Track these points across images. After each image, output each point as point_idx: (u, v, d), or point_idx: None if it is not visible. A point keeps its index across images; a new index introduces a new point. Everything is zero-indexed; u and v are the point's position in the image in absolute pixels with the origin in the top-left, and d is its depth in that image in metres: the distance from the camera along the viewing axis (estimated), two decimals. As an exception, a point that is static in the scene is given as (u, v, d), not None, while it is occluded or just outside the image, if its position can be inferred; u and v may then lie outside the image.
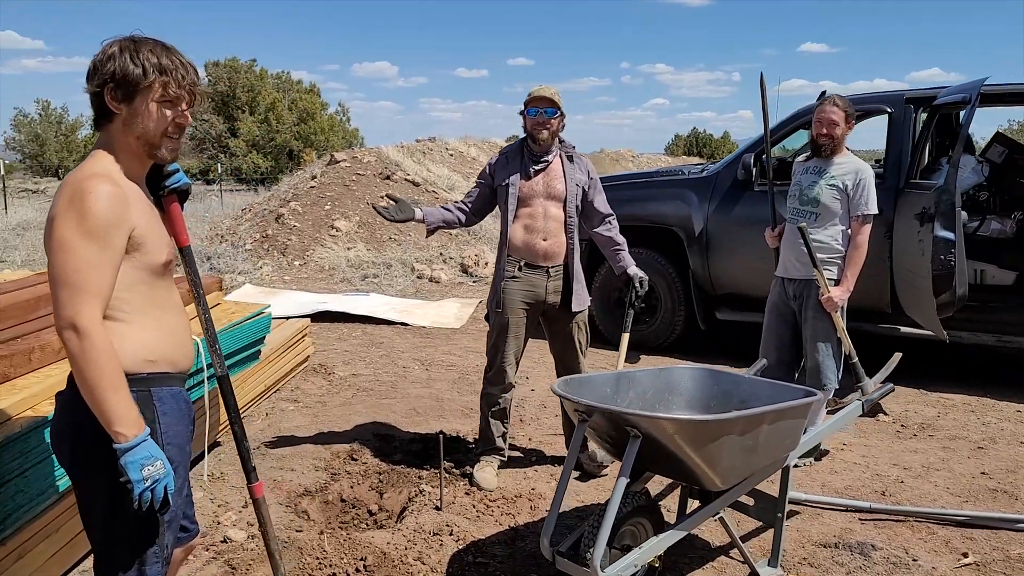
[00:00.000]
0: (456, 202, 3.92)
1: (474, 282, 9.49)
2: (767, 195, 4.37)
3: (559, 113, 3.70)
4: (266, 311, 3.99)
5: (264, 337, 3.99)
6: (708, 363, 5.97)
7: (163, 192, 2.05)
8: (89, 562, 2.94)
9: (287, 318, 7.09)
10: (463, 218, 3.86)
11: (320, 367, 5.76)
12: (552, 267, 3.75)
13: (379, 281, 9.16)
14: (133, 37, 1.84)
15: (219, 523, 3.36)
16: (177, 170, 2.06)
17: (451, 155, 16.37)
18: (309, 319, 6.88)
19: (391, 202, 3.70)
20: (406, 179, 12.01)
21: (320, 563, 2.99)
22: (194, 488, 3.63)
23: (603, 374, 3.19)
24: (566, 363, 3.93)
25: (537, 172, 3.75)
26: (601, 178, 4.06)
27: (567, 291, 3.77)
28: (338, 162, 12.31)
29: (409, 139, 18.46)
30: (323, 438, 4.30)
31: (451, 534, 3.26)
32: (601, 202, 3.88)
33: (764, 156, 4.51)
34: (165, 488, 1.75)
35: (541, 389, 5.33)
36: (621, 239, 3.89)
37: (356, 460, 4.04)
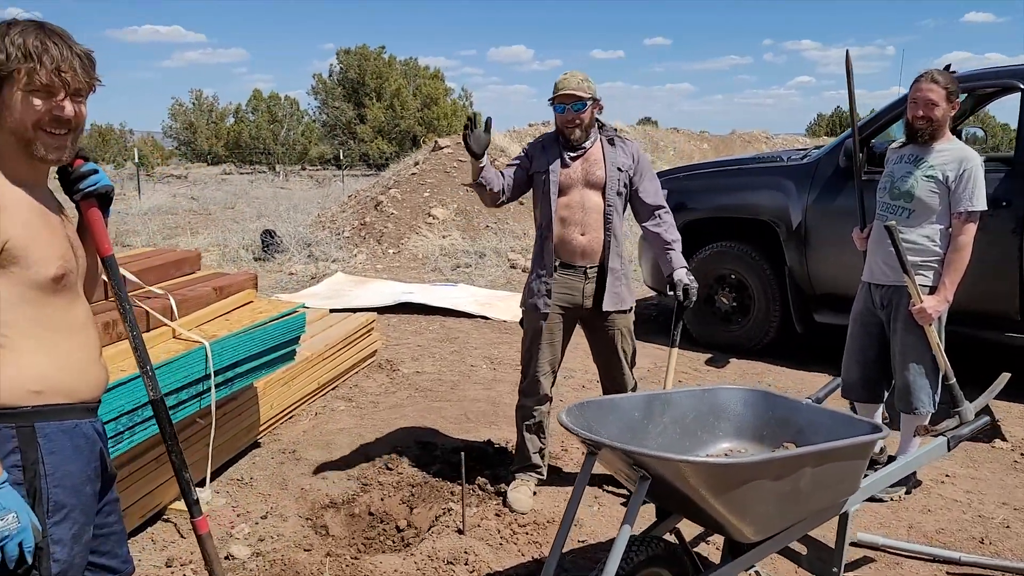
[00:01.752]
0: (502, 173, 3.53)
1: None
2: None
3: (588, 104, 3.31)
4: (300, 310, 3.81)
5: (298, 337, 3.82)
6: (805, 371, 5.44)
7: (77, 196, 1.84)
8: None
9: (370, 309, 7.02)
10: (504, 192, 3.48)
11: (387, 363, 5.59)
12: (590, 267, 3.38)
13: (471, 271, 8.95)
14: (8, 20, 1.62)
15: (230, 535, 3.21)
16: (95, 170, 1.85)
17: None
18: (377, 313, 6.77)
19: (481, 128, 3.30)
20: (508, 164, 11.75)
21: (315, 590, 2.78)
22: (218, 493, 3.54)
23: (632, 396, 2.81)
24: (610, 376, 3.56)
25: (574, 159, 3.38)
26: (690, 166, 3.63)
27: (600, 290, 3.39)
28: (441, 148, 12.19)
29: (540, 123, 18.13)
30: (363, 443, 4.11)
31: (466, 563, 2.98)
32: (650, 192, 3.46)
33: (854, 144, 3.93)
34: (21, 545, 1.54)
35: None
36: (672, 236, 3.45)
37: (391, 470, 3.81)
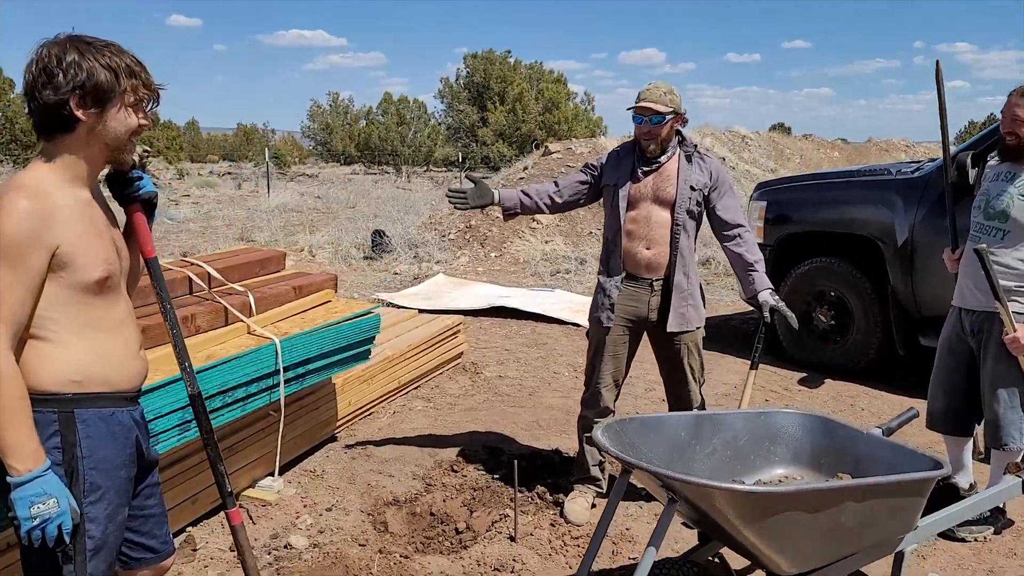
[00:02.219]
0: (542, 186, 3.57)
1: None
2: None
3: (667, 119, 3.25)
4: (375, 311, 3.93)
5: (373, 337, 3.93)
6: (904, 396, 5.14)
7: (129, 201, 1.97)
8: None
9: (465, 311, 7.15)
10: (547, 205, 3.52)
11: (472, 365, 5.67)
12: (655, 280, 3.33)
13: (570, 277, 8.95)
14: (79, 37, 1.76)
15: (294, 525, 3.35)
16: (141, 177, 1.98)
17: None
18: (470, 315, 6.88)
19: (469, 185, 3.45)
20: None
21: (361, 585, 2.87)
22: (290, 483, 3.69)
23: (680, 415, 2.76)
24: (675, 392, 3.50)
25: (647, 173, 3.34)
26: (792, 178, 3.53)
27: (665, 308, 3.33)
28: (551, 153, 12.25)
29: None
30: (433, 444, 4.19)
31: (512, 571, 3.00)
32: (728, 209, 3.37)
33: (944, 159, 3.69)
34: (60, 527, 1.67)
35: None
36: (754, 256, 3.35)
37: (456, 472, 3.87)
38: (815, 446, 2.73)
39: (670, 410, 3.58)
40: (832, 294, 5.72)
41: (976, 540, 3.30)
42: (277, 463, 3.54)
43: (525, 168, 12.28)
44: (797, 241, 5.90)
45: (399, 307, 7.57)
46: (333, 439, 4.24)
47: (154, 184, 2.05)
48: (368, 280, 8.96)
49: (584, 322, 7.01)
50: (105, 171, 1.94)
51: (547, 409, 4.82)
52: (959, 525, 3.26)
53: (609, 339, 3.40)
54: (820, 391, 5.35)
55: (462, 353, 5.75)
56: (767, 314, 3.24)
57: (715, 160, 3.43)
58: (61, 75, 1.70)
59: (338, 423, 4.26)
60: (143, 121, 1.83)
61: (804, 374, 5.64)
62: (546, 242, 10.03)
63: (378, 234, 10.35)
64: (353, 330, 3.74)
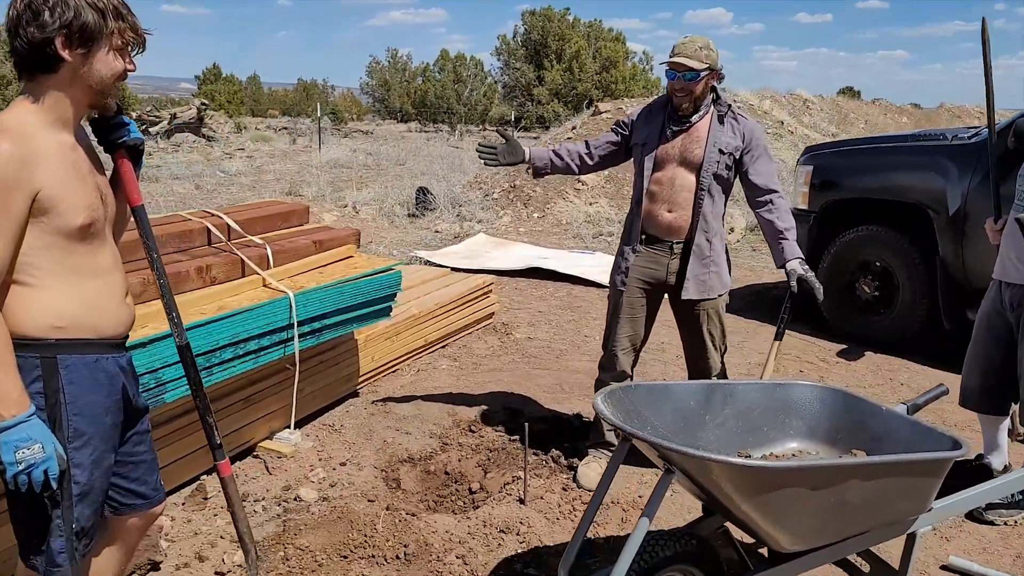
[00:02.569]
0: (574, 146, 3.47)
1: (753, 251, 8.78)
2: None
3: (702, 75, 3.11)
4: (395, 268, 3.90)
5: (394, 294, 3.91)
6: (946, 372, 4.93)
7: (114, 147, 1.95)
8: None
9: (502, 271, 7.10)
10: (578, 166, 3.45)
11: (502, 326, 5.63)
12: (675, 242, 3.23)
13: (612, 240, 8.81)
14: None
15: (306, 478, 3.37)
16: (127, 123, 1.95)
17: (739, 106, 15.13)
18: (507, 275, 6.82)
19: (501, 141, 3.37)
20: (668, 133, 11.39)
21: (364, 541, 2.87)
22: (308, 436, 3.71)
23: (690, 384, 2.66)
24: (694, 359, 3.40)
25: (676, 133, 3.21)
26: (841, 142, 3.39)
27: (684, 272, 3.23)
28: (601, 112, 12.01)
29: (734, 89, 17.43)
30: (453, 403, 4.17)
31: (518, 534, 2.97)
32: (761, 174, 3.23)
33: (989, 125, 3.47)
34: (47, 472, 1.67)
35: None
36: (785, 223, 3.20)
37: (474, 432, 3.85)
38: (832, 421, 2.62)
39: (689, 378, 3.49)
40: (877, 264, 5.50)
41: (1005, 524, 3.16)
42: (293, 416, 3.55)
43: (574, 128, 12.08)
44: (843, 208, 5.67)
45: (436, 265, 7.57)
46: (355, 394, 4.25)
47: (142, 132, 2.02)
48: (409, 238, 8.96)
49: (621, 285, 6.92)
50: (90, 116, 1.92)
51: (572, 373, 4.75)
52: (988, 507, 3.13)
53: (625, 301, 3.31)
54: (859, 364, 5.18)
55: (493, 313, 5.71)
56: (794, 283, 3.11)
57: (750, 121, 3.28)
58: (47, 12, 1.66)
59: (360, 379, 4.27)
60: (129, 66, 1.79)
61: (844, 346, 5.47)
62: (590, 204, 9.88)
63: (422, 192, 10.33)
64: (372, 286, 3.71)
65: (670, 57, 3.13)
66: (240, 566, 2.73)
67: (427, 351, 4.95)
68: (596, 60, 35.56)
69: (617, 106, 12.21)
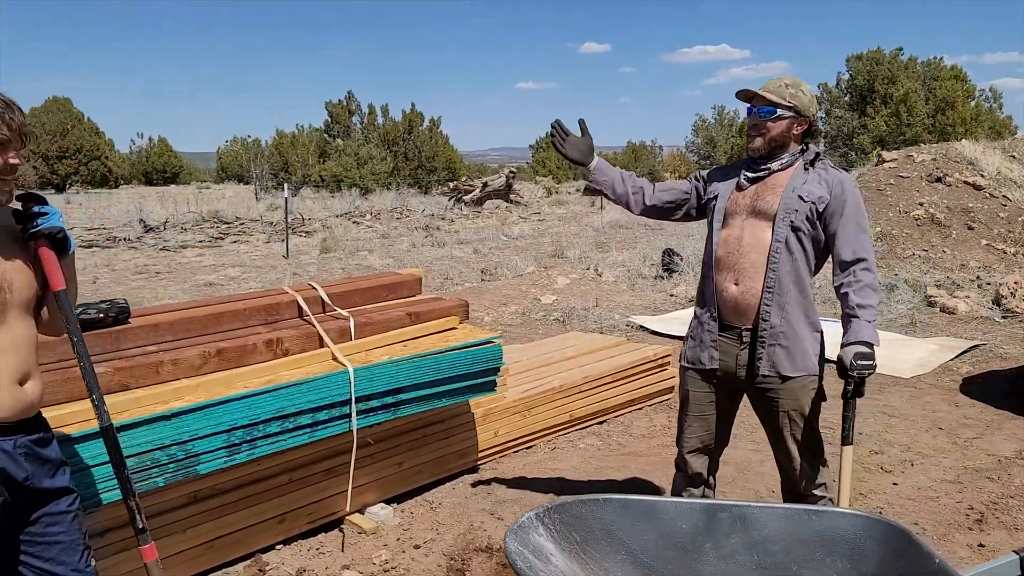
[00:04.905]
0: (641, 179, 2.96)
1: (1003, 319, 7.28)
2: None
3: (780, 114, 2.58)
4: (495, 341, 3.70)
5: (497, 368, 3.70)
6: None
7: (31, 236, 2.04)
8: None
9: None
10: (636, 201, 2.91)
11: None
12: (745, 329, 2.66)
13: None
14: None
15: (368, 559, 3.27)
16: (43, 213, 2.03)
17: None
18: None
19: (578, 133, 2.89)
20: (965, 182, 9.77)
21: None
22: (403, 512, 3.63)
23: (682, 502, 2.18)
24: (780, 465, 2.77)
25: (752, 181, 2.69)
26: None
27: (754, 354, 2.64)
28: (885, 162, 10.69)
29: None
30: (566, 489, 3.83)
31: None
32: (846, 236, 2.59)
33: None
34: None
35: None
36: (859, 300, 2.55)
37: (570, 525, 3.49)
38: (886, 566, 1.96)
39: (782, 490, 2.85)
40: None
41: None
42: (349, 493, 3.45)
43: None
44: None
45: (649, 331, 7.20)
46: (474, 470, 4.09)
47: (455, 199, 2.08)
48: (639, 301, 8.62)
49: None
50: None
51: (727, 465, 4.14)
52: None
53: (692, 396, 2.80)
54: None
55: (674, 388, 5.22)
56: (853, 375, 2.45)
57: (843, 173, 2.65)
58: None
59: (481, 454, 4.11)
60: (12, 160, 1.88)
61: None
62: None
63: (667, 253, 9.92)
64: (464, 360, 3.56)
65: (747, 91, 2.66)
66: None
67: (574, 426, 4.64)
68: (929, 102, 32.05)
69: (906, 154, 10.80)
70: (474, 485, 3.93)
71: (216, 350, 3.11)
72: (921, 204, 9.38)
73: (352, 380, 3.20)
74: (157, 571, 2.17)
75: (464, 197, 24.78)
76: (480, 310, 8.23)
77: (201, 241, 15.94)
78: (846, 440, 2.48)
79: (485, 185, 25.30)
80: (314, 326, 3.41)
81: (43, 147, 39.51)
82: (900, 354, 6.19)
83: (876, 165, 10.97)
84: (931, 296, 7.82)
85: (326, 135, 37.94)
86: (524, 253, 13.08)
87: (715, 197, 2.78)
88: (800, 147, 2.69)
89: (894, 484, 3.88)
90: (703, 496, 2.89)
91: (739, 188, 2.72)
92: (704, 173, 2.92)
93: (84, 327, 2.98)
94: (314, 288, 3.64)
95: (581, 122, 2.90)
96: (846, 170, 3.56)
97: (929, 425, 4.71)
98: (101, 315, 2.99)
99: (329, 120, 38.19)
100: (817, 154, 2.67)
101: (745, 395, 2.79)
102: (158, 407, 2.78)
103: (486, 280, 10.03)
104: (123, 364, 2.89)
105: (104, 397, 2.14)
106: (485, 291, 9.15)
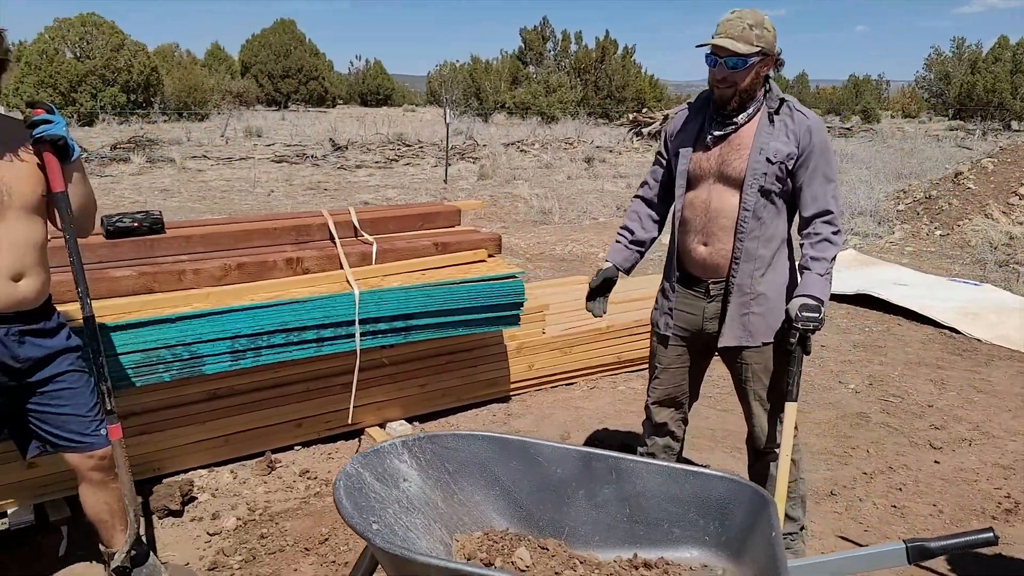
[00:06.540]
0: (639, 209, 2.81)
1: None
2: None
3: (751, 63, 2.38)
4: (518, 276, 3.74)
5: (519, 303, 3.74)
6: None
7: (36, 142, 2.27)
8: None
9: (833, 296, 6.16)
10: (658, 227, 2.81)
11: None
12: (713, 282, 2.54)
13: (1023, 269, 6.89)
14: None
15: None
16: (46, 120, 2.23)
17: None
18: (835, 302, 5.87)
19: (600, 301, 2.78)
20: None
21: (325, 540, 2.92)
22: (418, 430, 3.84)
23: (559, 446, 2.21)
24: (747, 419, 2.67)
25: (717, 140, 2.51)
26: None
27: (723, 318, 2.53)
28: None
29: None
30: (577, 428, 3.87)
31: None
32: (812, 190, 2.41)
33: None
34: None
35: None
36: (815, 252, 2.42)
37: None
38: (744, 530, 1.90)
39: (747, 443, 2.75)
40: None
41: None
42: (351, 409, 3.64)
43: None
44: None
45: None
46: (504, 399, 4.20)
47: (635, 133, 2.28)
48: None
49: (967, 329, 5.47)
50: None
51: (724, 427, 3.98)
52: None
53: (660, 352, 2.72)
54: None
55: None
56: (798, 326, 2.33)
57: (810, 118, 2.43)
58: None
59: (514, 385, 4.21)
60: None
61: None
62: (1020, 224, 7.79)
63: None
64: (482, 292, 3.64)
65: (712, 38, 2.46)
66: (230, 530, 3.02)
67: (623, 368, 4.61)
68: None
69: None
70: (495, 414, 4.05)
71: (237, 264, 3.39)
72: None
73: (357, 302, 3.39)
74: (120, 450, 2.46)
75: (643, 130, 24.28)
76: (598, 247, 8.18)
77: (377, 162, 16.79)
78: (788, 396, 2.36)
79: (666, 118, 24.59)
80: (336, 248, 3.61)
81: (268, 66, 42.63)
82: (1006, 323, 5.57)
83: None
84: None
85: (520, 61, 38.18)
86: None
87: (676, 155, 2.62)
88: (764, 88, 2.48)
89: (935, 462, 3.57)
90: (666, 447, 2.84)
91: (703, 147, 2.54)
92: (666, 134, 2.72)
93: (120, 234, 3.38)
94: (348, 213, 3.83)
95: (591, 282, 2.77)
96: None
97: (1017, 406, 4.24)
98: (136, 224, 3.35)
99: (523, 47, 38.36)
100: (782, 100, 2.46)
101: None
102: (167, 311, 3.10)
103: (619, 216, 9.91)
104: (149, 269, 3.23)
105: (119, 297, 2.44)
106: (611, 227, 9.06)
